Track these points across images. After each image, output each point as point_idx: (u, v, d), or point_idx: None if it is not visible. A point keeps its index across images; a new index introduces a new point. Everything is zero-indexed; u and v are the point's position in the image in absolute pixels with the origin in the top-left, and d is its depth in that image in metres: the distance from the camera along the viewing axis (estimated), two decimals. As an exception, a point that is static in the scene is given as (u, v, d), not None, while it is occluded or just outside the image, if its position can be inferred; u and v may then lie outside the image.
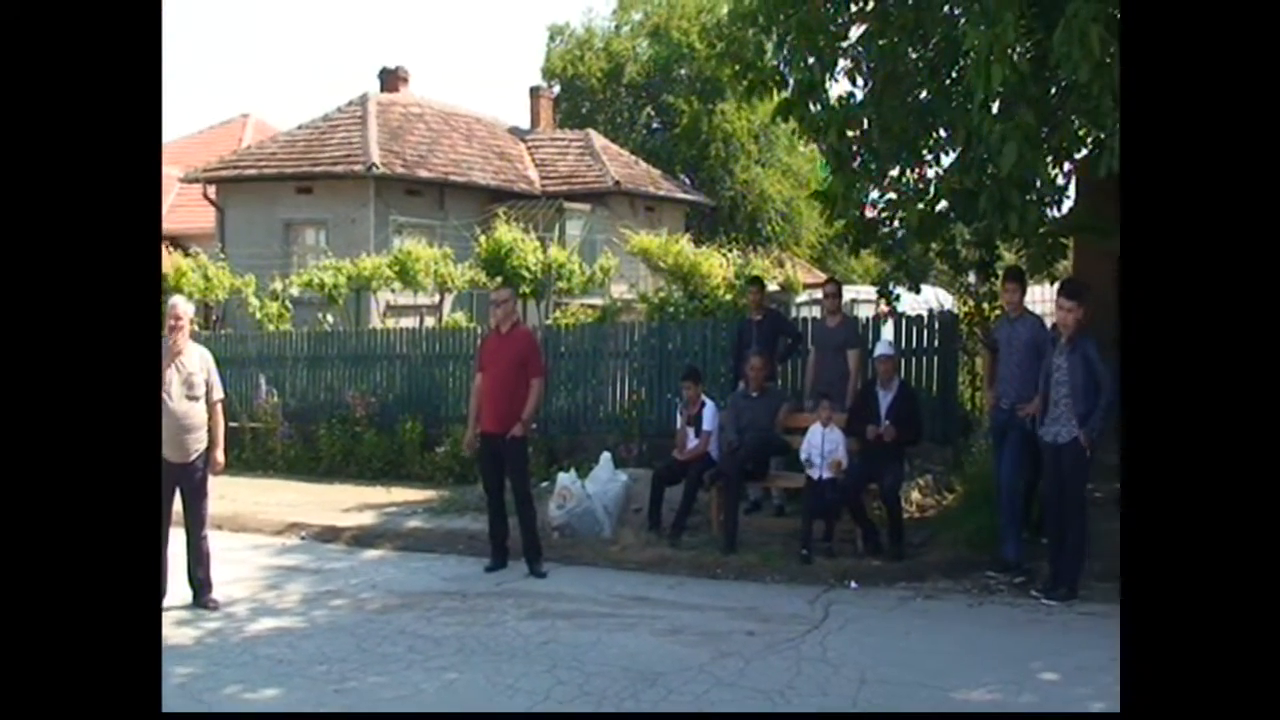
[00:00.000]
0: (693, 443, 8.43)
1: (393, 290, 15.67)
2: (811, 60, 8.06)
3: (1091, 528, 6.64)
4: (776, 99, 8.42)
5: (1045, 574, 6.72)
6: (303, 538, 9.03)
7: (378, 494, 10.71)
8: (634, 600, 6.75)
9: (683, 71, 30.06)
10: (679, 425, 8.70)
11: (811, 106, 8.24)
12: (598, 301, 15.07)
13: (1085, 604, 6.38)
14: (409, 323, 14.77)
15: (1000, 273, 8.72)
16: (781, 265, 16.11)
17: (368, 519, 9.48)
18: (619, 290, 16.04)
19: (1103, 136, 6.49)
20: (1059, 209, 9.17)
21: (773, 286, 13.81)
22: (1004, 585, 6.86)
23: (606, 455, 9.10)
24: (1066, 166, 8.78)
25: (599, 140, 24.27)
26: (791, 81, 8.23)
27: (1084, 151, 8.11)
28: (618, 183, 21.96)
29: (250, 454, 12.59)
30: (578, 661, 5.48)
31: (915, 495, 8.99)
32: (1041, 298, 11.06)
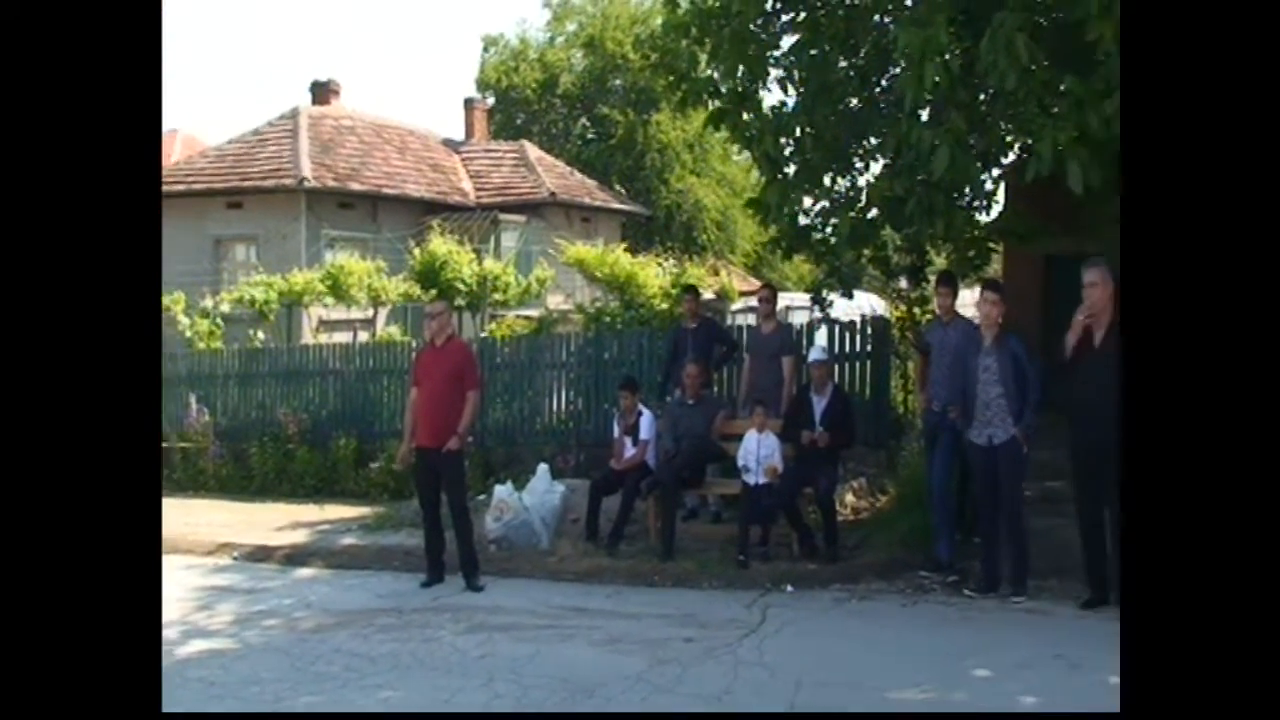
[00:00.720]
0: (630, 452, 8.43)
1: (325, 305, 15.49)
2: (743, 70, 8.15)
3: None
4: (710, 109, 8.49)
5: (977, 573, 6.81)
6: (235, 558, 8.86)
7: (311, 512, 10.55)
8: (572, 611, 6.72)
9: (617, 82, 30.17)
10: (616, 435, 8.69)
11: (744, 116, 8.32)
12: (534, 313, 15.04)
13: (1015, 601, 6.48)
14: (342, 338, 14.60)
15: (931, 277, 8.86)
16: (717, 273, 16.25)
17: (301, 537, 9.33)
18: (555, 301, 16.04)
19: (1030, 142, 6.63)
20: (987, 214, 9.36)
21: (708, 295, 13.90)
22: (937, 585, 6.94)
23: (544, 466, 9.07)
24: (995, 172, 8.98)
25: (534, 151, 24.25)
26: (724, 91, 8.31)
27: (1011, 157, 8.30)
28: (553, 194, 21.94)
29: (181, 474, 12.34)
30: (515, 674, 5.44)
31: (850, 498, 9.09)
32: (971, 301, 11.26)
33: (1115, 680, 4.97)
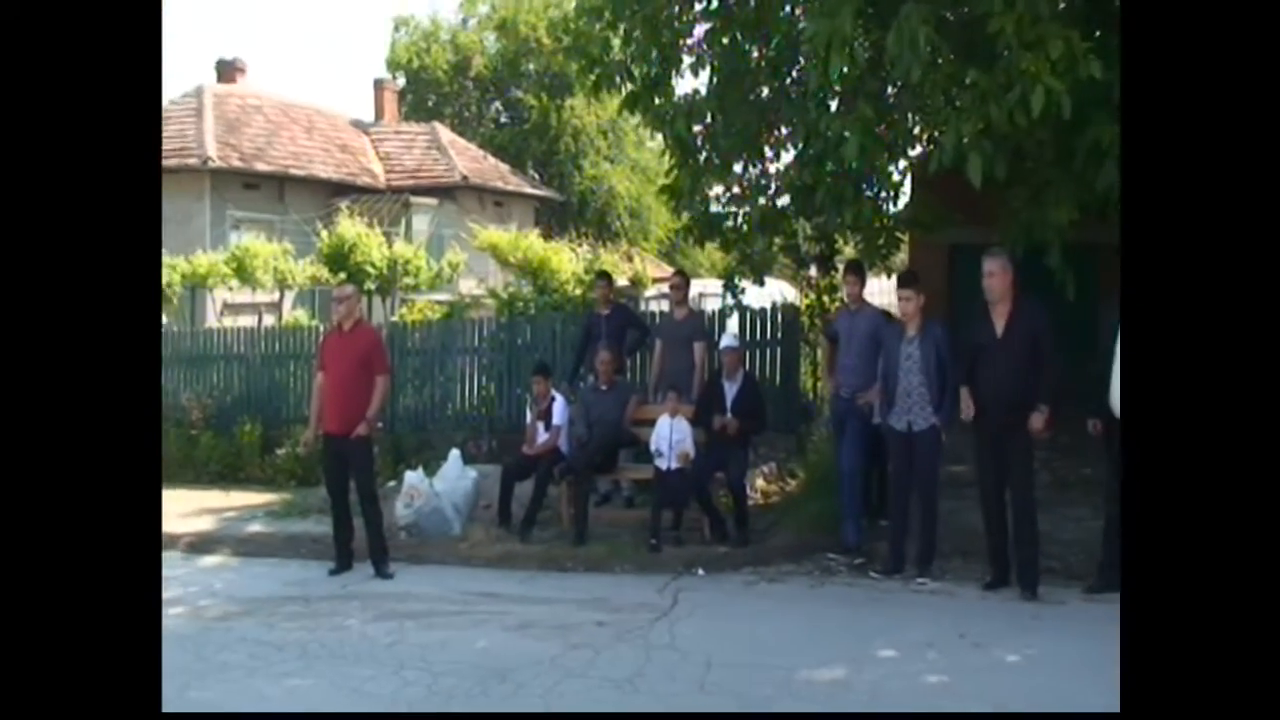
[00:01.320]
0: (543, 438, 8.42)
1: (230, 288, 15.13)
2: (656, 56, 8.17)
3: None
4: (623, 94, 8.50)
5: (883, 555, 6.97)
6: (135, 546, 8.61)
7: (216, 498, 10.32)
8: (483, 597, 6.70)
9: (531, 66, 29.97)
10: (529, 420, 8.67)
11: (657, 101, 8.35)
12: (446, 297, 14.89)
13: (921, 582, 6.64)
14: (247, 321, 14.28)
15: (840, 266, 9.00)
16: (631, 260, 16.27)
17: (205, 524, 9.13)
18: (467, 286, 15.90)
19: (935, 134, 6.77)
20: (894, 204, 9.54)
21: (622, 281, 13.93)
22: (844, 567, 7.09)
23: (455, 452, 9.00)
24: (902, 163, 9.15)
25: (446, 134, 23.98)
26: (637, 76, 8.32)
27: (918, 148, 8.47)
28: (465, 177, 21.73)
29: (78, 460, 11.93)
30: (425, 661, 5.41)
31: (760, 483, 9.21)
32: (879, 289, 11.48)
33: (1015, 659, 5.21)
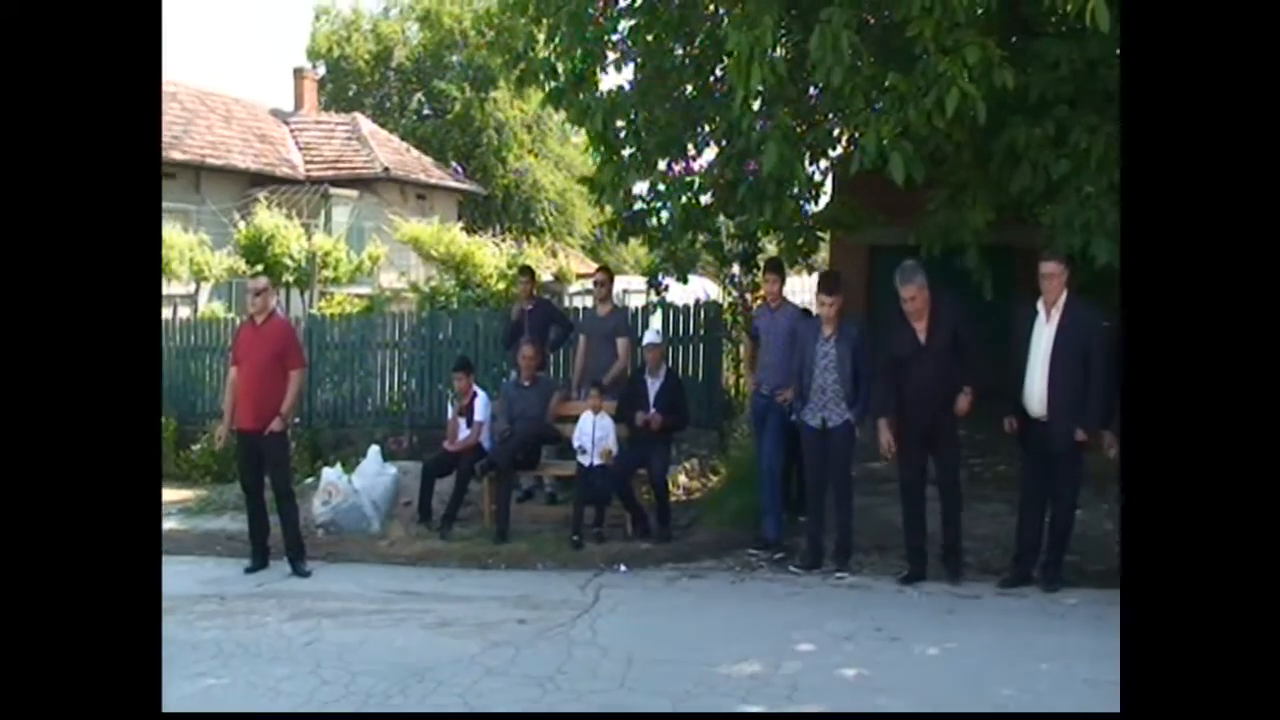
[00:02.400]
0: (464, 434, 8.36)
1: (143, 279, 14.70)
2: (580, 52, 8.14)
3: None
4: (547, 89, 8.46)
5: (803, 550, 7.05)
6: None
7: (126, 496, 10.03)
8: (402, 595, 6.63)
9: (454, 58, 29.69)
10: (450, 416, 8.60)
11: (581, 97, 8.33)
12: (366, 291, 14.70)
13: (839, 577, 6.73)
14: (163, 314, 13.91)
15: (763, 264, 9.08)
16: (555, 255, 16.24)
17: (115, 522, 8.87)
18: (388, 279, 15.71)
19: (856, 136, 6.85)
20: (816, 203, 9.66)
21: (546, 276, 13.89)
22: (764, 562, 7.16)
23: (375, 449, 8.89)
24: (823, 164, 9.27)
25: (367, 125, 23.64)
26: (561, 72, 8.29)
27: (839, 150, 8.57)
28: (387, 169, 21.45)
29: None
30: (343, 661, 5.34)
31: (682, 478, 9.26)
32: (802, 287, 11.63)
33: (932, 651, 5.31)
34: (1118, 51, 6.71)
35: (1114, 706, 4.43)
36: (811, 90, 8.06)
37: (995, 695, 4.68)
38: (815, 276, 7.35)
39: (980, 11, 6.55)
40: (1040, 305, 6.25)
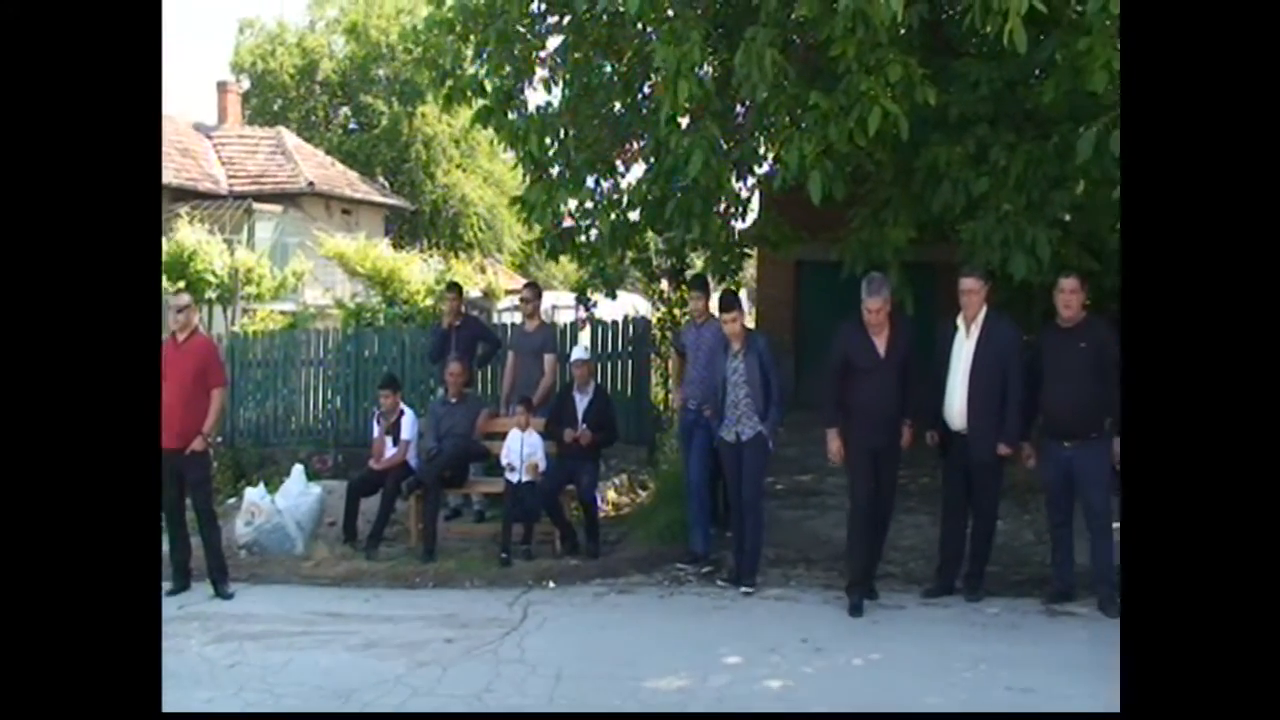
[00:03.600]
0: (390, 452, 8.27)
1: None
2: (509, 70, 8.14)
3: (770, 517, 7.08)
4: (475, 106, 8.43)
5: (730, 564, 7.09)
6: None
7: (39, 518, 9.73)
8: (327, 616, 6.52)
9: (381, 72, 29.44)
10: (376, 434, 8.50)
11: (509, 115, 8.32)
12: (290, 307, 14.47)
13: (764, 589, 6.77)
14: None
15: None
16: (484, 271, 16.18)
17: (26, 546, 8.59)
18: (313, 296, 15.49)
19: (780, 153, 6.94)
20: (743, 220, 9.77)
21: (475, 293, 13.83)
22: (692, 576, 7.18)
23: (299, 468, 8.74)
24: (750, 181, 9.37)
25: (292, 139, 23.33)
26: (489, 90, 8.27)
27: (765, 167, 8.68)
28: (312, 183, 21.18)
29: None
30: (266, 684, 5.23)
31: (611, 494, 9.26)
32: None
33: (857, 661, 5.37)
34: (1036, 71, 6.94)
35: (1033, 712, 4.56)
36: (738, 108, 8.17)
37: (918, 703, 4.75)
38: (720, 305, 7.25)
39: (902, 32, 6.69)
40: (960, 321, 6.37)
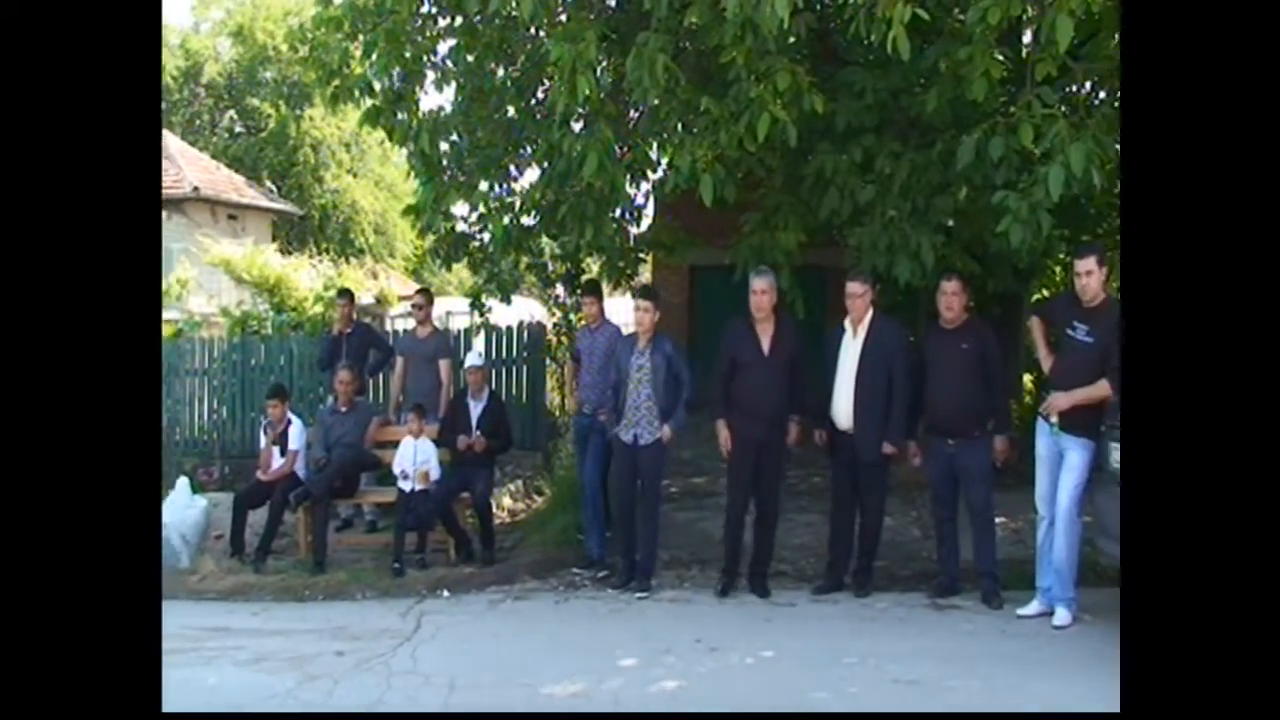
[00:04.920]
0: (278, 462, 8.07)
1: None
2: (399, 71, 8.03)
3: (664, 519, 7.11)
4: (364, 107, 8.30)
5: (621, 568, 7.08)
6: None
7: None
8: (214, 632, 6.32)
9: (269, 74, 28.75)
10: (263, 445, 8.29)
11: (400, 116, 8.21)
12: (173, 316, 13.99)
13: (659, 591, 6.79)
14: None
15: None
16: (375, 277, 15.89)
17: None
18: (197, 304, 15.01)
19: (673, 158, 6.99)
20: (637, 225, 9.81)
21: (366, 299, 13.59)
22: (588, 581, 7.17)
23: (183, 480, 8.47)
24: (644, 186, 9.42)
25: (175, 143, 22.58)
26: (379, 90, 8.15)
27: (659, 172, 8.74)
28: (196, 188, 20.53)
29: None
30: (147, 702, 5.05)
31: (507, 500, 9.21)
32: (625, 308, 11.75)
33: (749, 660, 5.43)
34: (920, 81, 7.13)
35: (922, 706, 4.68)
36: (632, 113, 8.21)
37: (810, 699, 4.82)
38: (637, 294, 7.35)
39: (791, 40, 6.82)
40: (847, 323, 6.51)
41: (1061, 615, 5.79)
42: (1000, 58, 6.07)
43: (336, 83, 8.21)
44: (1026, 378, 10.74)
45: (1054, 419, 5.86)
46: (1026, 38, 7.60)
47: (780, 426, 6.54)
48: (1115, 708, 3.71)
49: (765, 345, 6.50)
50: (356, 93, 8.19)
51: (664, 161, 8.29)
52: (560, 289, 11.23)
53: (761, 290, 6.49)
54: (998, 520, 6.67)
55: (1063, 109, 6.18)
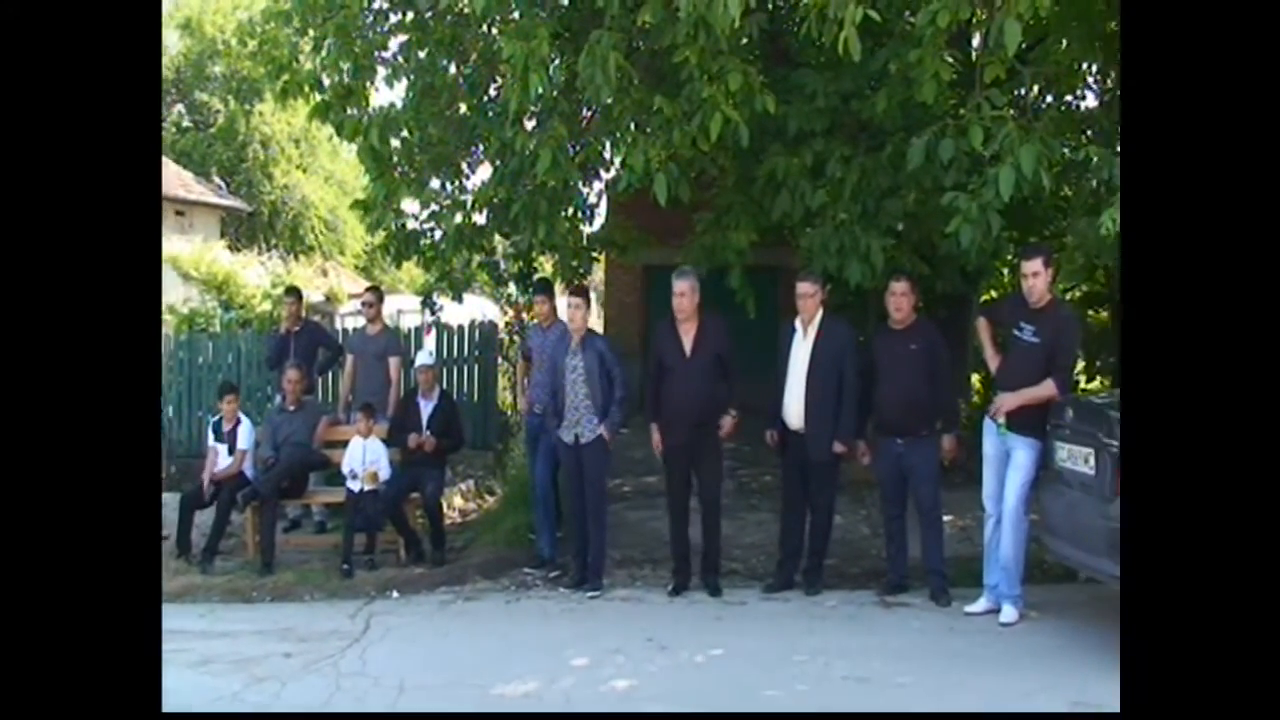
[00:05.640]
0: (225, 462, 7.95)
1: None
2: (350, 66, 7.94)
3: (615, 518, 7.10)
4: (314, 102, 8.20)
5: (573, 568, 7.06)
6: None
7: None
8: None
9: (217, 69, 28.32)
10: (210, 444, 8.16)
11: (350, 111, 8.12)
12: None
13: (611, 590, 6.78)
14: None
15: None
16: (325, 275, 15.77)
17: None
18: (144, 300, 14.79)
19: (626, 157, 6.99)
20: (591, 224, 9.81)
21: (316, 297, 13.46)
22: (539, 581, 7.14)
23: (127, 479, 8.31)
24: (597, 185, 9.42)
25: (120, 137, 22.20)
26: (329, 85, 8.06)
27: (612, 171, 8.74)
28: (142, 184, 20.20)
29: None
30: (88, 707, 4.95)
31: (458, 500, 9.14)
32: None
33: (699, 658, 5.44)
34: (870, 83, 7.20)
35: (870, 704, 4.72)
36: (585, 111, 8.19)
37: (759, 697, 4.84)
38: (569, 292, 7.34)
39: (744, 41, 6.85)
40: (798, 323, 6.54)
41: (1008, 612, 5.86)
42: (950, 60, 6.14)
43: (286, 78, 8.10)
44: (974, 378, 10.88)
45: (1001, 419, 5.94)
46: (976, 41, 7.71)
47: (708, 427, 6.55)
48: (1061, 703, 3.77)
49: (688, 347, 6.53)
50: (306, 88, 8.08)
51: (617, 160, 8.31)
52: (513, 287, 11.18)
53: (680, 292, 6.52)
54: (946, 518, 6.73)
55: (1011, 112, 6.27)
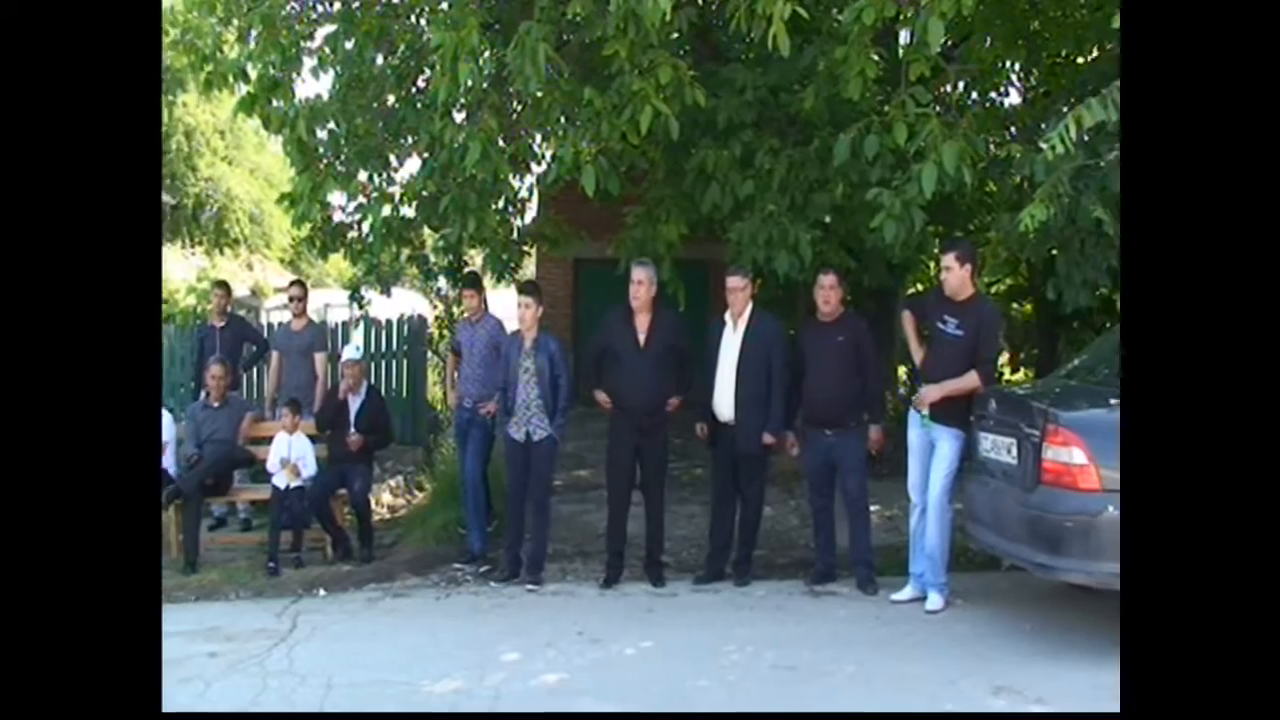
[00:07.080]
0: (146, 458, 7.76)
1: None
2: (275, 56, 7.80)
3: (553, 514, 7.10)
4: (239, 93, 8.04)
5: (504, 563, 7.03)
6: None
7: None
8: (77, 635, 6.06)
9: (137, 58, 27.62)
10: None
11: (276, 103, 7.97)
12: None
13: (531, 588, 6.72)
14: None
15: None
16: (251, 269, 15.48)
17: None
18: (61, 294, 14.41)
19: (557, 150, 6.97)
20: (522, 218, 9.76)
21: (242, 291, 13.22)
22: (470, 576, 7.10)
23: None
24: (529, 179, 9.37)
25: (36, 127, 21.57)
26: (254, 76, 7.90)
27: (543, 165, 8.70)
28: (59, 175, 19.67)
29: None
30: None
31: (386, 497, 9.06)
32: (509, 301, 11.70)
33: (630, 651, 5.45)
34: (798, 79, 7.26)
35: (800, 692, 4.77)
36: (515, 105, 8.14)
37: (690, 688, 4.87)
38: (520, 289, 7.34)
39: (674, 36, 6.87)
40: (728, 317, 6.59)
41: (934, 600, 5.97)
42: (875, 58, 6.21)
43: (210, 68, 7.93)
44: (900, 369, 11.05)
45: (925, 410, 6.04)
46: (902, 38, 7.82)
47: (655, 418, 6.59)
48: (984, 688, 3.82)
49: (642, 337, 6.57)
50: (231, 79, 7.92)
51: (547, 153, 8.28)
52: (442, 281, 11.10)
53: (638, 281, 6.56)
54: (872, 509, 6.83)
55: (935, 109, 6.36)
